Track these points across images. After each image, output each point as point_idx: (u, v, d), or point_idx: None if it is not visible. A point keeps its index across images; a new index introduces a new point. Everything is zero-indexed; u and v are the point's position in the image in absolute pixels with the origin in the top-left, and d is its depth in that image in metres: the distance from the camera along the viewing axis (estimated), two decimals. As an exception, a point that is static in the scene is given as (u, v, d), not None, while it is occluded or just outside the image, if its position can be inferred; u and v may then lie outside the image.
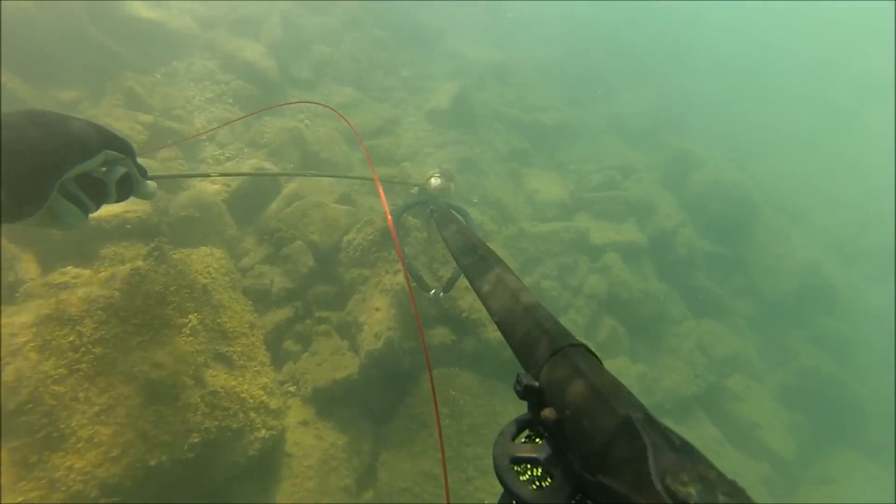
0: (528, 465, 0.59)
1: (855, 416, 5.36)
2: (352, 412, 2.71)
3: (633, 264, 4.93)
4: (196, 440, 1.98)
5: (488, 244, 1.13)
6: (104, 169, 1.03)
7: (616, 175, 5.86)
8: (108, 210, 2.53)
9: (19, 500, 1.66)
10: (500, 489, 0.56)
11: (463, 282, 2.73)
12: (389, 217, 1.58)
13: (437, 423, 1.33)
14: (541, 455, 0.59)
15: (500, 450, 0.60)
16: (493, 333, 2.86)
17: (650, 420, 0.48)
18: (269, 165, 3.52)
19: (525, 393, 0.64)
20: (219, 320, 2.38)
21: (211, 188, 3.11)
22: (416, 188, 3.27)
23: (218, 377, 2.20)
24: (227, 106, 4.14)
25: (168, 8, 4.42)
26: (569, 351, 0.65)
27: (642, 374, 4.40)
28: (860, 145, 12.22)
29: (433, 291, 2.67)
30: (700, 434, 4.36)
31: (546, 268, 4.47)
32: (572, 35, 10.38)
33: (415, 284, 2.67)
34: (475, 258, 1.07)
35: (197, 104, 4.01)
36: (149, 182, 1.16)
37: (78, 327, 1.95)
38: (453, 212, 2.66)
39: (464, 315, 2.88)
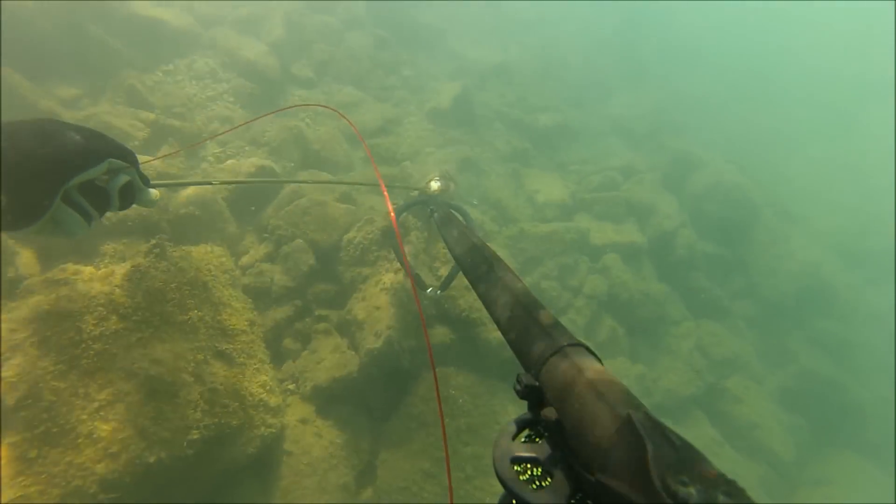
0: (529, 465, 0.59)
1: (854, 418, 5.36)
2: (351, 410, 2.72)
3: (633, 265, 4.93)
4: (195, 437, 1.99)
5: (488, 244, 1.13)
6: (107, 177, 1.04)
7: (616, 176, 5.85)
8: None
9: (18, 494, 1.66)
10: (499, 489, 0.56)
11: (462, 281, 2.74)
12: (394, 219, 1.58)
13: (442, 424, 1.32)
14: (541, 455, 0.59)
15: (501, 449, 0.60)
16: (493, 333, 2.86)
17: (650, 419, 0.48)
18: (269, 164, 3.51)
19: (525, 392, 0.65)
20: (219, 318, 2.39)
21: (211, 186, 3.10)
22: (416, 191, 3.27)
23: (217, 374, 2.20)
24: (228, 104, 4.14)
25: (170, 6, 4.43)
26: (569, 350, 0.65)
27: (641, 375, 4.40)
28: (860, 147, 12.20)
29: (430, 290, 2.68)
30: (699, 435, 4.36)
31: (546, 268, 4.48)
32: (573, 36, 10.38)
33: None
34: (475, 258, 1.07)
35: (198, 102, 4.00)
36: (151, 190, 1.17)
37: (78, 323, 1.95)
38: (453, 212, 2.66)
39: (463, 314, 2.88)
